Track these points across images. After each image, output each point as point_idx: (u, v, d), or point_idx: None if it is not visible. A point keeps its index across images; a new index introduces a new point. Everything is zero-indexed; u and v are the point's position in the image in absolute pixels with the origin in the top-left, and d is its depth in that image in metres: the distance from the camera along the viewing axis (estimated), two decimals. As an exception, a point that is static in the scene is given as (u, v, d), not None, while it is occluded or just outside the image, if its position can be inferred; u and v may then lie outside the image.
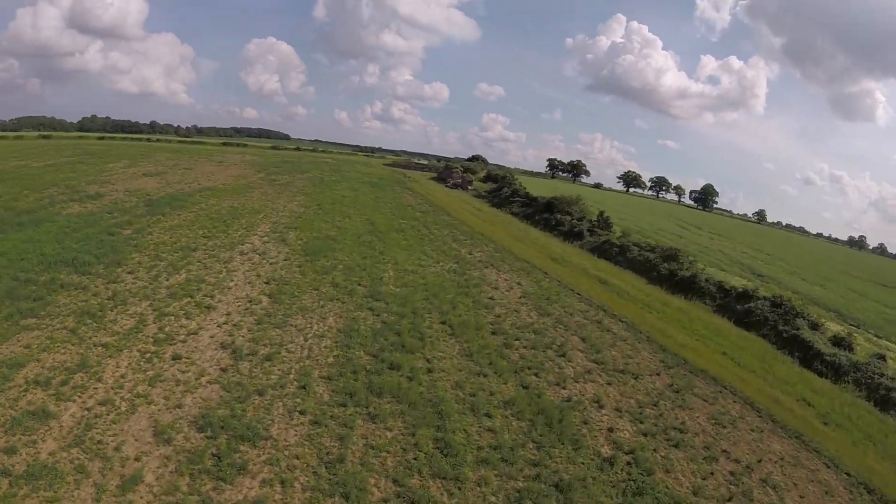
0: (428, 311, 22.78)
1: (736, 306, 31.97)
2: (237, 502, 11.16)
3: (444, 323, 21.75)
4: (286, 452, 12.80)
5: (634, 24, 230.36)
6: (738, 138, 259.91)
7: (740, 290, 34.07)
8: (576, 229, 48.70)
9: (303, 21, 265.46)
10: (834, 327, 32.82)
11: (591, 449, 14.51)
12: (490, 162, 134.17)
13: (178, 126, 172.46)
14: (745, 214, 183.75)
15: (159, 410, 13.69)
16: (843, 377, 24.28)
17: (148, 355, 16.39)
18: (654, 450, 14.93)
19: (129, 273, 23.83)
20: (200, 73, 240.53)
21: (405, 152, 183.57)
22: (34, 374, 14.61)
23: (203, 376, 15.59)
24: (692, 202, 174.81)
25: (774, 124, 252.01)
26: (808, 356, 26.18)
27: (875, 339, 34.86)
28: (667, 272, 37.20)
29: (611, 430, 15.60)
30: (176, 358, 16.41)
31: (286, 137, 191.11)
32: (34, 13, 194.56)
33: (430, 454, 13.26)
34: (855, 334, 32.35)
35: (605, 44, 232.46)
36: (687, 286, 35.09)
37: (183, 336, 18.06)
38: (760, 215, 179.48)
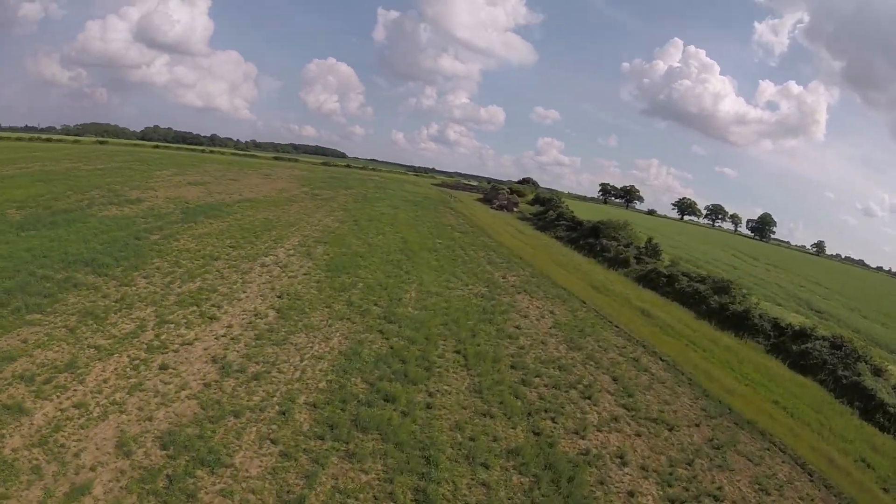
0: (443, 338, 20.91)
1: (791, 346, 28.48)
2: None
3: (458, 352, 19.78)
4: (244, 485, 11.40)
5: (692, 48, 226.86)
6: (797, 166, 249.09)
7: (797, 328, 30.49)
8: (621, 256, 45.71)
9: (363, 43, 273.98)
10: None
11: (603, 517, 12.20)
12: (543, 186, 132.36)
13: (238, 140, 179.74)
14: (803, 246, 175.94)
15: (129, 421, 12.99)
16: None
17: (136, 362, 15.78)
18: (683, 522, 12.46)
19: (144, 277, 23.59)
20: (262, 91, 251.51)
21: (459, 174, 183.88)
22: (22, 369, 14.43)
23: (184, 390, 14.68)
24: (749, 232, 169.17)
25: (834, 151, 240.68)
26: (869, 406, 22.92)
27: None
28: (717, 305, 33.87)
29: (631, 494, 13.16)
30: (163, 368, 15.67)
31: (342, 156, 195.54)
32: (103, 26, 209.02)
33: (404, 508, 11.41)
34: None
35: (662, 68, 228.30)
36: (739, 322, 31.74)
37: (177, 345, 17.34)
38: (819, 247, 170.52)
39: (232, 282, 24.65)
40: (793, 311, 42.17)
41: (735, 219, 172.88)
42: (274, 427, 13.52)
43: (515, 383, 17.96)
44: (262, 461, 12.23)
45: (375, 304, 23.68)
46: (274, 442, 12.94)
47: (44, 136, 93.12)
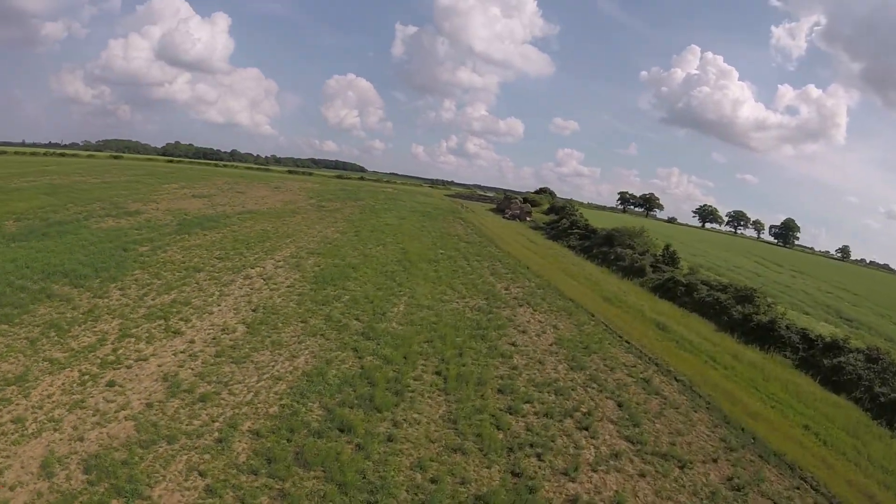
0: (424, 357, 18.72)
1: (822, 361, 25.67)
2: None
3: (438, 373, 17.52)
4: (153, 524, 9.72)
5: (709, 54, 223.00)
6: (818, 171, 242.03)
7: (828, 339, 27.63)
8: (637, 265, 43.09)
9: (381, 58, 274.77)
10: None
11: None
12: (562, 196, 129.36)
13: (258, 155, 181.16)
14: (827, 251, 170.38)
15: (60, 440, 12.15)
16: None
17: (85, 377, 14.95)
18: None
19: (120, 289, 22.80)
20: (283, 107, 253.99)
21: (479, 187, 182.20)
22: (-28, 380, 13.79)
23: (124, 409, 13.57)
24: (772, 238, 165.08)
25: (856, 155, 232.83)
26: (910, 429, 20.11)
27: None
28: (740, 316, 31.08)
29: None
30: (110, 385, 14.70)
31: (362, 170, 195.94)
32: (125, 44, 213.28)
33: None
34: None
35: (680, 76, 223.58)
36: (764, 334, 28.95)
37: (131, 361, 16.28)
38: (844, 252, 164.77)
39: (208, 294, 23.22)
40: (822, 321, 39.59)
41: (757, 225, 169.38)
42: (207, 457, 11.88)
43: (500, 411, 15.54)
44: (183, 496, 10.61)
45: (357, 319, 21.76)
46: (202, 474, 11.31)
47: (58, 151, 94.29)
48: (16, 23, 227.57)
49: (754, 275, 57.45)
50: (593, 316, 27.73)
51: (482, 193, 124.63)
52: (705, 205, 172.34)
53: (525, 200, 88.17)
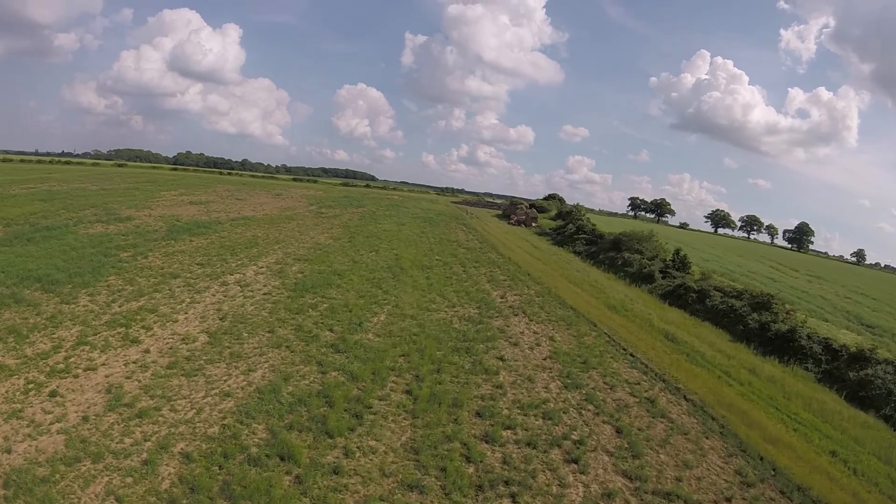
0: (397, 374, 16.76)
1: (848, 373, 23.38)
2: None
3: (408, 393, 15.52)
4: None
5: (719, 59, 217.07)
6: (830, 174, 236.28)
7: (853, 350, 25.26)
8: (645, 270, 40.91)
9: (391, 68, 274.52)
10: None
11: None
12: (573, 203, 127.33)
13: (269, 164, 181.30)
14: (842, 256, 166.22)
15: None
16: None
17: (30, 386, 14.22)
18: None
19: (90, 295, 21.98)
20: (295, 116, 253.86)
21: (490, 194, 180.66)
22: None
23: (59, 422, 12.66)
24: (786, 242, 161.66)
25: (868, 157, 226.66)
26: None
27: None
28: (757, 325, 28.81)
29: None
30: (52, 394, 13.88)
31: (372, 178, 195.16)
32: (137, 56, 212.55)
33: None
34: None
35: (690, 81, 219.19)
36: (783, 344, 26.67)
37: (80, 370, 15.33)
38: (859, 255, 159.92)
39: (178, 301, 21.85)
40: (843, 328, 37.37)
41: (771, 230, 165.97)
42: (129, 480, 10.57)
43: (474, 439, 13.37)
44: (93, 523, 9.02)
45: (330, 330, 20.01)
46: (119, 500, 10.01)
47: (64, 160, 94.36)
48: (28, 34, 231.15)
49: (770, 280, 55.18)
50: (595, 326, 25.67)
51: (490, 200, 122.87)
52: (717, 210, 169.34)
53: (532, 206, 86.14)
